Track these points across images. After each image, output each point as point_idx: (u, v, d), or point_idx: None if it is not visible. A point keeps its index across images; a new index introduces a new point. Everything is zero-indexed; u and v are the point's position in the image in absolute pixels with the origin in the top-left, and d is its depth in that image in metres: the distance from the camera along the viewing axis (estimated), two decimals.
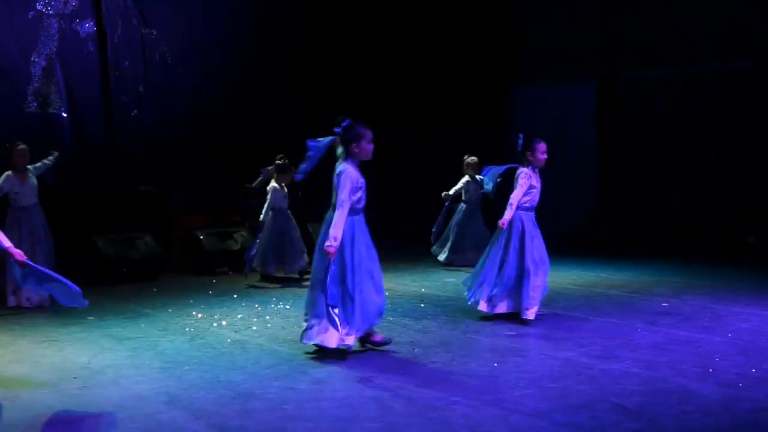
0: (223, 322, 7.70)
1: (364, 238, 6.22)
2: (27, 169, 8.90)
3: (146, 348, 6.75)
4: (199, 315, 8.05)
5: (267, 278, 10.33)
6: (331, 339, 6.05)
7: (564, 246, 11.19)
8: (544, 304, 7.60)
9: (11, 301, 8.63)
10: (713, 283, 9.38)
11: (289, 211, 10.41)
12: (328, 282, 5.86)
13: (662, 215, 12.53)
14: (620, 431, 4.43)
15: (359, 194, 6.13)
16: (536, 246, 7.39)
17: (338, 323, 5.90)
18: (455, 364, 5.96)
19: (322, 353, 6.17)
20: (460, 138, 13.99)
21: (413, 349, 6.44)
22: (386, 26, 13.89)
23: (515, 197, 7.29)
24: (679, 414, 4.70)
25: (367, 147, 6.12)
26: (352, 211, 6.10)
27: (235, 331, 7.27)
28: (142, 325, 7.65)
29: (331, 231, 5.89)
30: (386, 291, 9.11)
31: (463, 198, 11.43)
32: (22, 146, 8.91)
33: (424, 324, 7.52)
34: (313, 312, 6.13)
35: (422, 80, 14.31)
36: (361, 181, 6.15)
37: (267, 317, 7.95)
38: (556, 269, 8.42)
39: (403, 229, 13.62)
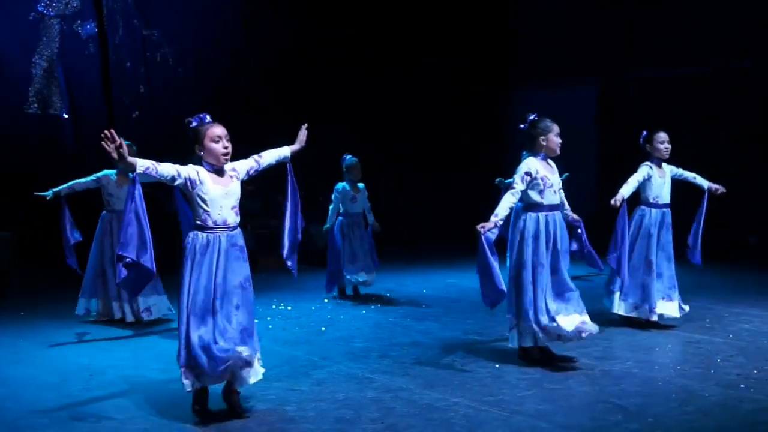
0: None
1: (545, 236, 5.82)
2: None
3: (146, 349, 6.77)
4: None
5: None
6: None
7: None
8: None
9: (127, 315, 7.68)
10: (714, 284, 9.36)
11: None
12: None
13: None
14: None
15: (538, 187, 5.79)
16: None
17: None
18: (456, 365, 5.96)
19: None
20: (456, 138, 14.02)
21: (414, 350, 6.45)
22: (386, 26, 13.82)
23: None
24: (680, 415, 4.70)
25: (554, 140, 5.84)
26: (534, 207, 5.81)
27: None
28: (141, 326, 7.65)
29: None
30: (386, 292, 9.28)
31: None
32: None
33: (426, 325, 7.52)
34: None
35: (419, 81, 14.22)
36: (541, 174, 5.80)
37: (268, 318, 7.94)
38: None
39: (407, 231, 13.67)
